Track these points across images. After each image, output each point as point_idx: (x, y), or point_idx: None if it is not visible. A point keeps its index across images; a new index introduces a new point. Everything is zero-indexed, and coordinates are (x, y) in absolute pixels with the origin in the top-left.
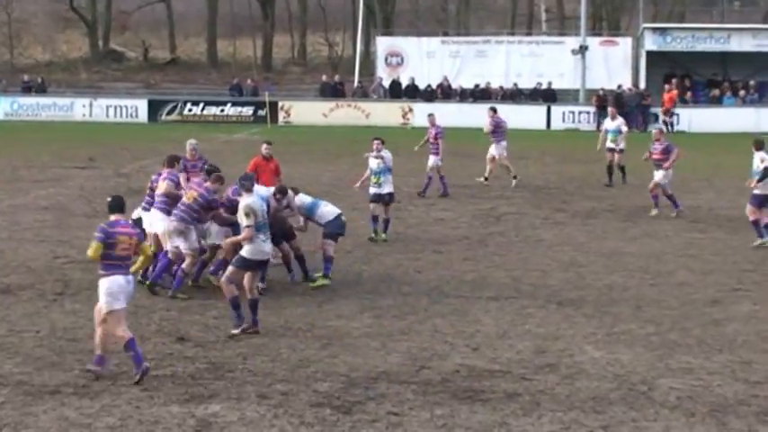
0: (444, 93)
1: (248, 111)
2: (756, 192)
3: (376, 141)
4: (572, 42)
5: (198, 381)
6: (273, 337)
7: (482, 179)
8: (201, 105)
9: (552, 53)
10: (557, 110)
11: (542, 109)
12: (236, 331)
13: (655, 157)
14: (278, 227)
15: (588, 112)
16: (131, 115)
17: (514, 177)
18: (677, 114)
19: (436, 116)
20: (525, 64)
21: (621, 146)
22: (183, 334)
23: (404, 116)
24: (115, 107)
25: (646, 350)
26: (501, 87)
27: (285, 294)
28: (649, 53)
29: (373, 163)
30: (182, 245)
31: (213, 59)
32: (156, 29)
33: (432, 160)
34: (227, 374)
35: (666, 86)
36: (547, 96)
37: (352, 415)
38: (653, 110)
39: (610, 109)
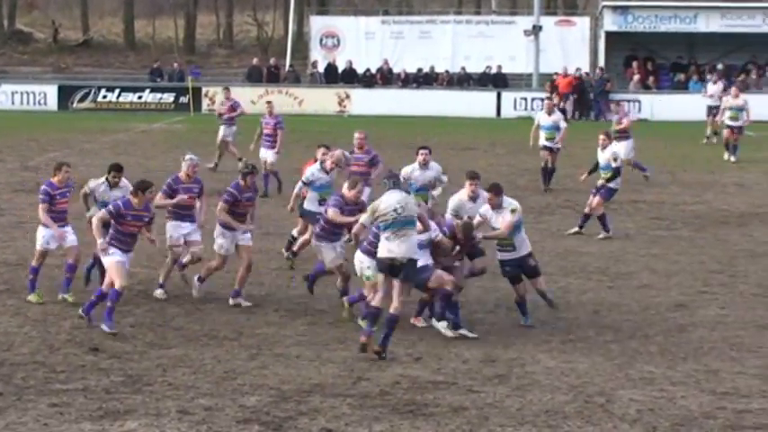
0: (385, 78)
1: (169, 97)
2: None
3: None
4: (524, 23)
5: (113, 395)
6: (196, 346)
7: None
8: (117, 91)
9: (503, 34)
10: (508, 96)
11: (492, 95)
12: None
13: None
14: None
15: (542, 99)
16: (39, 102)
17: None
18: (636, 101)
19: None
20: (473, 46)
21: (558, 145)
22: (97, 344)
23: (340, 103)
24: (21, 93)
25: (604, 359)
26: (447, 72)
27: (209, 300)
28: (609, 34)
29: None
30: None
31: (130, 41)
32: (66, 7)
33: (269, 155)
34: (144, 388)
35: (562, 71)
36: (497, 81)
37: (282, 431)
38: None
39: (546, 102)
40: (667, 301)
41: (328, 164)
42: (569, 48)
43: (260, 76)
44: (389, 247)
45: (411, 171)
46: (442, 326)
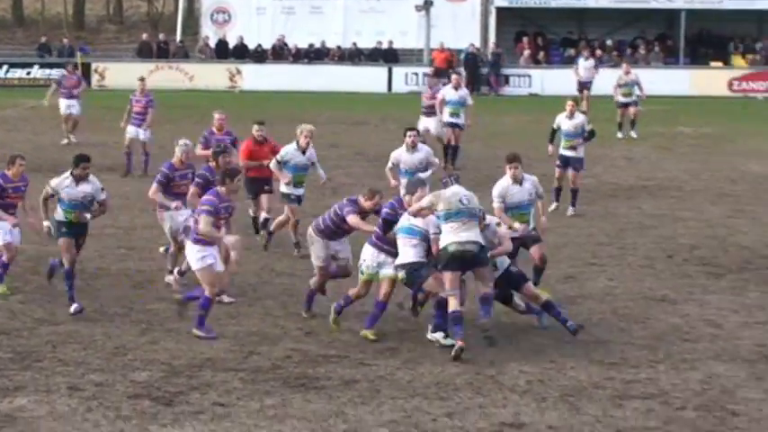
0: (276, 53)
1: (58, 73)
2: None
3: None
4: None
5: (2, 372)
6: (86, 322)
7: None
8: (5, 68)
9: (394, 9)
10: (399, 71)
11: (383, 70)
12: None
13: None
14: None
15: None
16: None
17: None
18: (526, 76)
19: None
20: (365, 21)
21: (464, 120)
22: None
23: (231, 79)
24: None
25: (494, 331)
26: (338, 47)
27: (99, 276)
28: (499, 9)
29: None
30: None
31: (18, 17)
32: None
33: (141, 134)
34: (34, 364)
35: (439, 47)
36: (388, 57)
37: (173, 406)
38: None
39: (454, 76)
40: (557, 273)
41: (302, 140)
42: (460, 23)
43: (150, 51)
44: (458, 238)
45: (399, 154)
46: (439, 336)
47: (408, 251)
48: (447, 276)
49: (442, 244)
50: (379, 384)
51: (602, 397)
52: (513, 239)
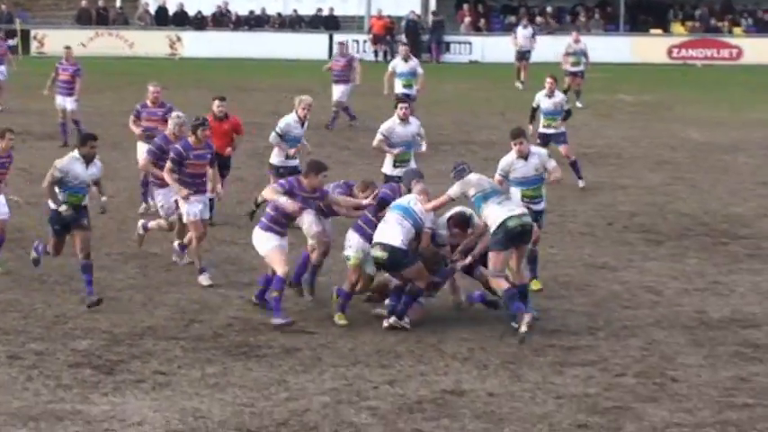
0: (217, 21)
1: None
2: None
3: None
4: None
5: None
6: (26, 291)
7: None
8: None
9: None
10: (339, 38)
11: (324, 38)
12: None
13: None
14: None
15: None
16: None
17: None
18: (467, 43)
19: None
20: None
21: (416, 92)
22: None
23: (171, 46)
24: None
25: (436, 300)
26: (279, 14)
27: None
28: None
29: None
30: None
31: None
32: None
33: (68, 103)
34: None
35: (375, 13)
36: (329, 24)
37: (114, 375)
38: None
39: (402, 48)
40: None
41: (300, 111)
42: None
43: (89, 18)
44: (512, 212)
45: (392, 127)
46: (393, 321)
47: (396, 230)
48: (500, 256)
49: (496, 220)
50: (320, 352)
51: (542, 364)
52: None
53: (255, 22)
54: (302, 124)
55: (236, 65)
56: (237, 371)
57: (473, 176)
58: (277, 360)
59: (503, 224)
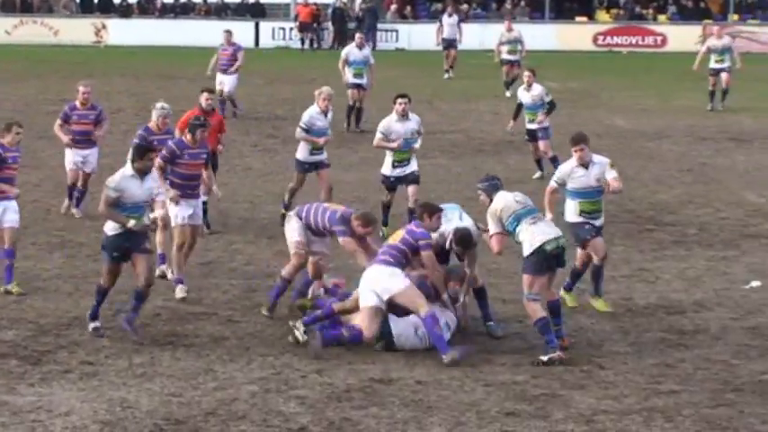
0: (142, 8)
1: None
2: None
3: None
4: None
5: None
6: None
7: None
8: None
9: None
10: (266, 26)
11: (250, 25)
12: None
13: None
14: None
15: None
16: None
17: None
18: (393, 31)
19: None
20: None
21: (368, 81)
22: None
23: (97, 34)
24: None
25: None
26: (204, 1)
27: None
28: None
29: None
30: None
31: None
32: None
33: None
34: None
35: (302, 1)
36: (255, 11)
37: (41, 365)
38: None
39: (357, 36)
40: None
41: (321, 103)
42: None
43: (13, 5)
44: (548, 236)
45: (389, 124)
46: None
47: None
48: (537, 280)
49: (533, 244)
50: (248, 342)
51: (471, 352)
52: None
53: (181, 9)
54: (325, 115)
55: (161, 52)
56: (165, 360)
57: (500, 199)
58: (205, 349)
59: (541, 249)
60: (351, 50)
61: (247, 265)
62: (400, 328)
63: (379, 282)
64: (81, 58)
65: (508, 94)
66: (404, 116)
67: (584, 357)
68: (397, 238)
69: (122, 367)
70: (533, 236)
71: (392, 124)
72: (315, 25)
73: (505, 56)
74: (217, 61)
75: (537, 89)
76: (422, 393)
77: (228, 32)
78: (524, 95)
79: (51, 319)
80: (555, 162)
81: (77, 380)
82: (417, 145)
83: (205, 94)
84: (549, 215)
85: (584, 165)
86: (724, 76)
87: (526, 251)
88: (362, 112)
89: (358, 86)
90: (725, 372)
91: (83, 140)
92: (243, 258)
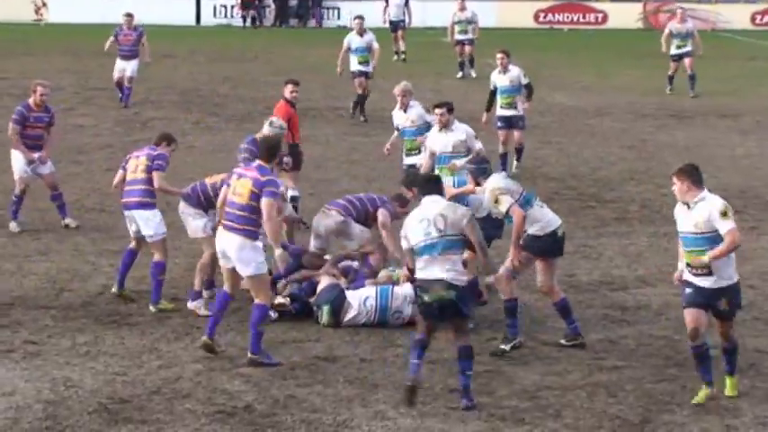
0: None
1: None
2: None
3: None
4: None
5: None
6: None
7: None
8: None
9: None
10: (207, 3)
11: (191, 3)
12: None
13: None
14: None
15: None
16: None
17: None
18: (335, 8)
19: None
20: None
21: (371, 68)
22: None
23: (37, 12)
24: None
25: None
26: None
27: None
28: None
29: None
30: None
31: None
32: None
33: None
34: None
35: None
36: None
37: None
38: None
39: (356, 21)
40: None
41: (398, 98)
42: None
43: None
44: (555, 216)
45: (432, 137)
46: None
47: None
48: (528, 259)
49: (549, 226)
50: (192, 320)
51: (413, 330)
52: None
53: None
54: (361, 35)
55: (103, 30)
56: (109, 339)
57: (500, 180)
58: (149, 328)
59: (554, 232)
60: (352, 38)
61: (191, 243)
62: (355, 298)
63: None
64: (20, 36)
65: (459, 74)
66: (446, 126)
67: (527, 334)
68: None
69: (66, 346)
70: (548, 218)
71: (434, 136)
72: (257, 2)
73: (457, 36)
74: (113, 45)
75: (514, 71)
76: (366, 371)
77: (130, 16)
78: (500, 79)
79: None
80: (519, 152)
81: (20, 359)
82: (460, 162)
83: (290, 86)
84: None
85: (686, 203)
86: (687, 60)
87: (536, 231)
88: (366, 99)
89: (364, 74)
90: (667, 347)
91: (36, 146)
92: (186, 236)
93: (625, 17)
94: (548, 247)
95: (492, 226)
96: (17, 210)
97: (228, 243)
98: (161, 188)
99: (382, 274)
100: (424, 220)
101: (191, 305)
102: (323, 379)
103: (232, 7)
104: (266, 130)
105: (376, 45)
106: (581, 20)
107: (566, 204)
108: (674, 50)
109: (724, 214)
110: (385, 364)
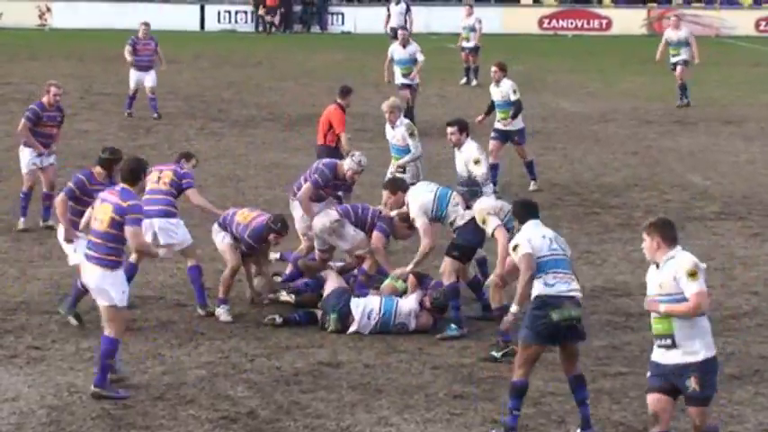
0: None
1: None
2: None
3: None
4: None
5: None
6: None
7: None
8: None
9: None
10: (211, 9)
11: (195, 8)
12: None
13: None
14: None
15: (246, 12)
16: None
17: None
18: (339, 14)
19: None
20: None
21: (416, 80)
22: None
23: (41, 17)
24: None
25: None
26: None
27: None
28: None
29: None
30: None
31: None
32: None
33: None
34: None
35: None
36: None
37: None
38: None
39: (400, 32)
40: None
41: (386, 115)
42: None
43: None
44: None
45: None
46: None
47: None
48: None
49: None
50: (196, 326)
51: (418, 337)
52: None
53: None
54: (404, 47)
55: (106, 36)
56: None
57: (489, 201)
58: (153, 333)
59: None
60: (395, 49)
61: (196, 249)
62: (359, 309)
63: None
64: (25, 41)
65: (463, 80)
66: (456, 146)
67: None
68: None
69: (70, 352)
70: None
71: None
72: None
73: (463, 43)
74: (131, 54)
75: (505, 85)
76: (370, 376)
77: (147, 25)
78: (493, 92)
79: None
80: (530, 167)
81: (24, 365)
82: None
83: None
84: None
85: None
86: (678, 69)
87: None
88: (413, 111)
89: (408, 86)
90: None
91: (47, 144)
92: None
93: (629, 23)
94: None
95: (473, 235)
96: (26, 206)
97: (90, 275)
98: (200, 205)
99: (386, 283)
100: (545, 237)
101: (217, 311)
102: (326, 385)
103: (236, 13)
104: (347, 163)
105: (420, 57)
106: (585, 26)
107: (569, 210)
108: (669, 58)
109: (692, 275)
110: (388, 369)
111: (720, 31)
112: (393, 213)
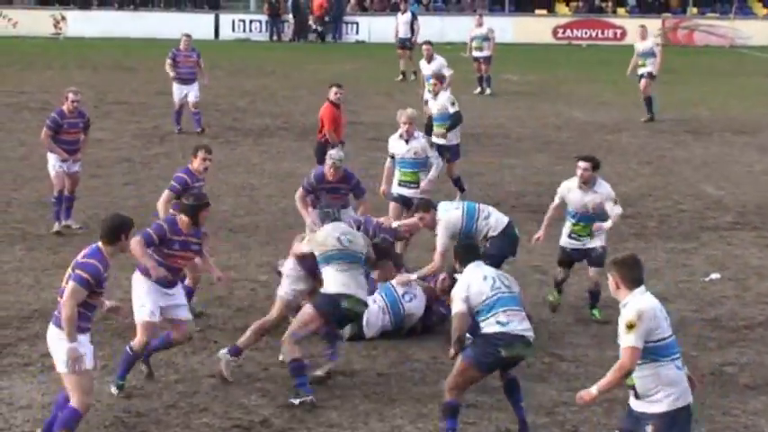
0: None
1: None
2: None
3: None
4: None
5: None
6: None
7: None
8: None
9: None
10: (226, 18)
11: (210, 17)
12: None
13: None
14: None
15: (260, 21)
16: None
17: None
18: (354, 23)
19: None
20: None
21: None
22: None
23: (56, 26)
24: None
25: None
26: None
27: None
28: None
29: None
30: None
31: None
32: None
33: None
34: None
35: None
36: (214, 3)
37: (1, 358)
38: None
39: (425, 47)
40: None
41: (403, 126)
42: None
43: None
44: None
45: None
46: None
47: None
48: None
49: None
50: (209, 334)
51: (432, 345)
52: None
53: (141, 1)
54: (406, 141)
55: (121, 44)
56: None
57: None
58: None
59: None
60: (422, 65)
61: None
62: (371, 315)
63: None
64: (39, 49)
65: (477, 90)
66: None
67: (545, 349)
68: None
69: None
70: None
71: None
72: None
73: (474, 52)
74: (173, 68)
75: (442, 97)
76: (384, 385)
77: (188, 36)
78: (431, 105)
79: (12, 312)
80: (458, 182)
81: (38, 372)
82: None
83: (334, 89)
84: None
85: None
86: (642, 82)
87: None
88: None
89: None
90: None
91: (73, 150)
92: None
93: None
94: None
95: (506, 244)
96: (59, 210)
97: (48, 335)
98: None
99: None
100: (487, 278)
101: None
102: (340, 393)
103: (251, 22)
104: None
105: (446, 71)
106: (599, 36)
107: None
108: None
109: (629, 327)
110: (402, 378)
111: (735, 42)
112: (395, 224)
